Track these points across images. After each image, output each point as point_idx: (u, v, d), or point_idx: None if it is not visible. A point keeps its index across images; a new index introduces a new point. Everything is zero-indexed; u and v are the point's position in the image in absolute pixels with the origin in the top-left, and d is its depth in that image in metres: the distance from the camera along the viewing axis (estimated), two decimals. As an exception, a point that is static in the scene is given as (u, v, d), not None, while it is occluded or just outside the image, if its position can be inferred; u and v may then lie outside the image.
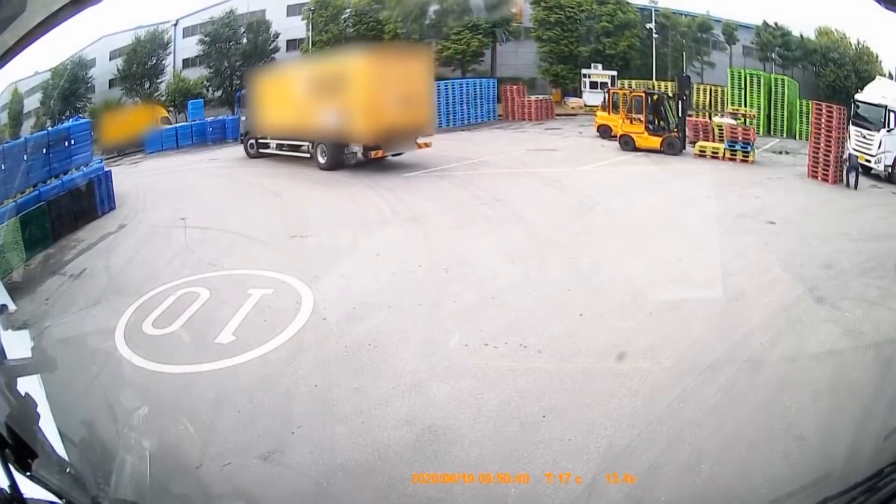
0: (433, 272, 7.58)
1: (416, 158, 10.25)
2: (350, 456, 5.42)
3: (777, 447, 5.26)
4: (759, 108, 10.58)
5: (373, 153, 9.40)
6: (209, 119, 11.04)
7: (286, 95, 9.59)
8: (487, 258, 7.81)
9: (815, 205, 9.06)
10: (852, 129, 9.49)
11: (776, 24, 10.44)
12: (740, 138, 10.11)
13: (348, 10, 10.95)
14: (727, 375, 5.91)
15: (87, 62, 9.86)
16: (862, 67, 9.69)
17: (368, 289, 7.30)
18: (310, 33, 10.92)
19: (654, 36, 11.27)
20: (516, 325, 6.68)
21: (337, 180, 9.84)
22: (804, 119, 10.32)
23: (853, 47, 9.85)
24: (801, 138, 10.39)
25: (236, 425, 5.75)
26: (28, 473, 3.36)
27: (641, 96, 10.65)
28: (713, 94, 11.06)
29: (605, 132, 10.86)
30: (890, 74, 9.22)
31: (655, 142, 10.38)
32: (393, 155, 9.63)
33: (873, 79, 9.47)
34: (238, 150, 10.92)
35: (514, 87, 11.64)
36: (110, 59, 10.17)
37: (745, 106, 10.57)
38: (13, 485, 3.25)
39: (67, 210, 8.78)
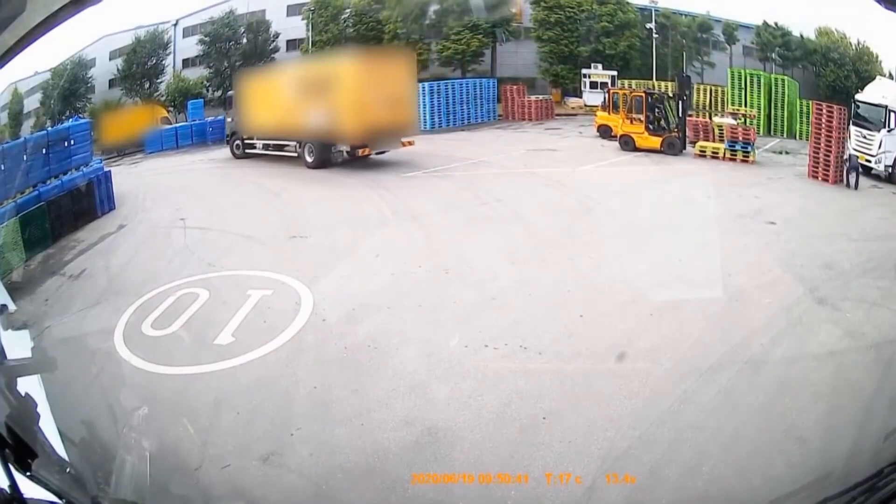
0: (433, 273, 7.57)
1: (416, 159, 10.28)
2: (349, 458, 5.40)
3: (777, 448, 5.25)
4: (759, 108, 10.58)
5: (360, 151, 9.66)
6: (209, 119, 11.04)
7: (274, 97, 9.76)
8: (487, 259, 7.80)
9: (815, 205, 9.05)
10: (853, 129, 9.48)
11: (776, 24, 10.45)
12: (740, 138, 10.10)
13: (348, 11, 10.96)
14: (728, 377, 5.90)
15: (87, 62, 9.88)
16: (862, 67, 9.69)
17: (368, 290, 7.27)
18: (310, 33, 10.93)
19: (655, 36, 11.28)
20: (516, 326, 6.66)
21: (337, 181, 9.84)
22: (804, 119, 10.32)
23: (853, 47, 9.85)
24: (801, 138, 10.39)
25: (235, 427, 5.72)
26: (28, 473, 3.35)
27: (642, 96, 10.64)
28: (713, 94, 11.06)
29: (605, 132, 10.86)
30: (890, 74, 9.22)
31: (656, 142, 10.37)
32: (377, 153, 9.83)
33: (873, 79, 9.46)
34: (237, 151, 10.97)
35: (514, 87, 11.65)
36: (110, 59, 10.19)
37: (746, 106, 10.57)
38: (13, 485, 3.24)
39: (67, 210, 8.78)
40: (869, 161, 9.39)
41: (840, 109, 9.34)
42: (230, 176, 10.50)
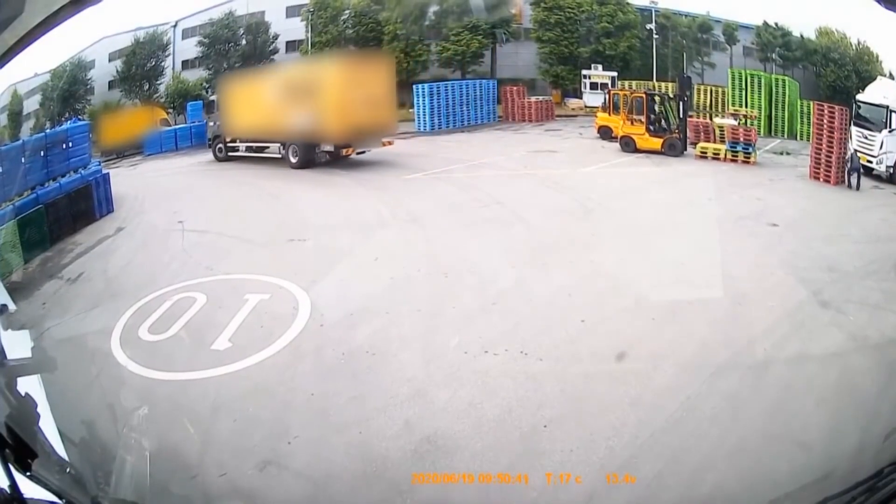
0: (432, 277, 7.49)
1: (416, 160, 10.29)
2: (347, 467, 5.34)
3: (778, 449, 5.24)
4: (759, 109, 10.55)
5: (343, 151, 9.94)
6: (208, 120, 11.03)
7: (258, 101, 9.93)
8: (487, 262, 7.72)
9: (817, 207, 8.99)
10: (853, 129, 9.44)
11: (776, 24, 10.43)
12: (742, 139, 10.07)
13: (348, 12, 10.96)
14: (731, 383, 5.83)
15: (86, 63, 9.89)
16: (862, 68, 9.67)
17: (366, 294, 7.19)
18: (309, 35, 10.92)
19: (655, 37, 11.26)
20: (517, 331, 6.58)
21: (336, 182, 9.81)
22: (805, 119, 10.29)
23: (853, 47, 9.83)
24: (801, 139, 10.35)
25: (232, 434, 5.67)
26: (28, 473, 3.35)
27: (642, 97, 10.62)
28: (714, 95, 11.03)
29: (605, 133, 10.83)
30: (890, 74, 9.19)
31: (656, 143, 10.34)
32: (358, 153, 10.06)
33: (874, 79, 9.43)
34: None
35: (514, 88, 11.63)
36: (109, 60, 10.19)
37: (746, 106, 10.54)
38: (13, 485, 3.25)
39: (65, 213, 8.76)
40: (870, 162, 9.36)
41: (842, 110, 9.30)
42: (228, 178, 10.45)
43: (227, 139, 10.67)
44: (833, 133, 9.23)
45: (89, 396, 5.84)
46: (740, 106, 10.57)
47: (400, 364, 6.29)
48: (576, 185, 9.42)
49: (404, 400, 5.90)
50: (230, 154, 10.74)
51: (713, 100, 11.03)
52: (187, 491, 5.15)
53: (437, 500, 5.11)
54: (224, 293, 7.31)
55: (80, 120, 9.72)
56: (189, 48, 10.71)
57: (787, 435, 5.38)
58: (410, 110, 11.20)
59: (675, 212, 8.55)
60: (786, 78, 10.61)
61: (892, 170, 9.29)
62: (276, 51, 10.93)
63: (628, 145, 10.45)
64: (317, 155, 9.99)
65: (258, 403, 5.95)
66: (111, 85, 10.21)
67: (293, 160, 10.09)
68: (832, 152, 9.25)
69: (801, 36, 10.31)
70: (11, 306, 6.77)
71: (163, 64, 10.63)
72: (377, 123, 9.67)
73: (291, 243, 8.37)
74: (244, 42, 10.86)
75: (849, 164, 9.19)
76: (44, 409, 3.84)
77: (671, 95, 10.59)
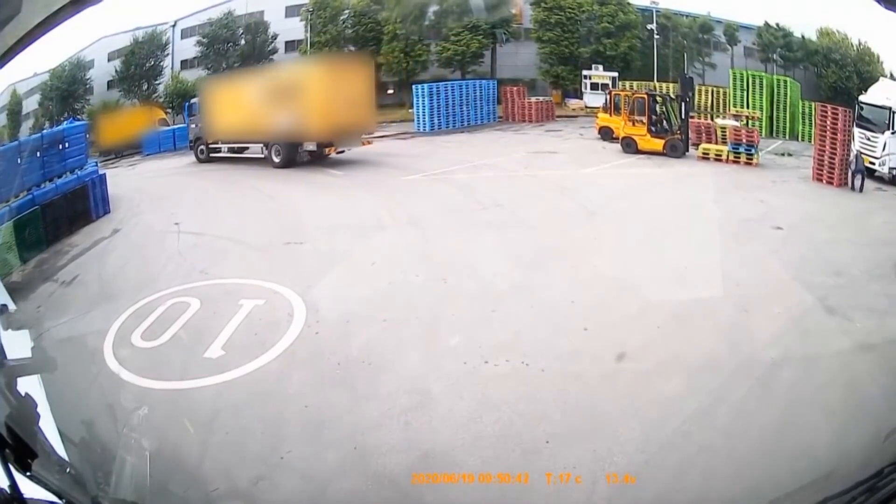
0: (431, 282, 7.32)
1: (415, 161, 10.26)
2: (342, 486, 5.20)
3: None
4: (761, 110, 10.52)
5: (326, 150, 10.19)
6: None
7: (241, 103, 10.05)
8: (487, 267, 7.57)
9: (821, 209, 8.91)
10: (856, 130, 9.40)
11: (777, 24, 10.41)
12: (744, 140, 10.03)
13: (347, 11, 10.94)
14: (738, 394, 5.69)
15: (85, 63, 9.90)
16: (863, 68, 9.66)
17: (363, 300, 7.04)
18: (308, 34, 10.90)
19: (656, 37, 11.24)
20: (518, 340, 6.41)
21: (334, 184, 9.77)
22: (806, 120, 10.28)
23: (854, 48, 9.81)
24: (803, 140, 10.34)
25: (224, 447, 5.52)
26: (28, 473, 3.33)
27: (644, 98, 10.57)
28: (715, 96, 11.01)
29: (606, 134, 10.78)
30: (891, 75, 9.16)
31: (658, 144, 10.29)
32: (338, 152, 10.28)
33: (875, 80, 9.41)
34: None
35: (515, 88, 11.62)
36: (109, 60, 10.21)
37: (748, 107, 10.51)
38: (13, 485, 3.22)
39: (62, 214, 8.71)
40: (872, 163, 9.32)
41: (845, 111, 9.27)
42: (226, 178, 10.39)
43: (209, 141, 10.72)
44: (836, 135, 9.18)
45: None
46: (742, 107, 10.54)
47: (396, 375, 6.12)
48: (577, 186, 9.35)
49: (400, 414, 5.73)
50: (212, 155, 10.80)
51: (714, 100, 11.01)
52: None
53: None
54: (218, 298, 7.17)
55: (77, 120, 9.69)
56: (188, 48, 10.70)
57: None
58: (410, 110, 11.19)
59: (678, 215, 8.45)
60: (787, 78, 10.60)
61: (894, 171, 9.25)
62: (275, 51, 10.93)
63: (630, 146, 10.40)
64: (299, 154, 10.19)
65: (251, 415, 5.79)
66: (110, 85, 10.22)
67: (276, 160, 10.24)
68: (835, 154, 9.21)
69: (803, 36, 10.31)
70: (11, 306, 6.76)
71: (162, 64, 10.65)
72: (357, 123, 9.99)
73: (288, 246, 8.27)
74: (243, 42, 10.85)
75: (853, 166, 9.14)
76: (44, 409, 3.80)
77: (673, 96, 10.55)
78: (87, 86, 9.99)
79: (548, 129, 11.39)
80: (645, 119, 10.39)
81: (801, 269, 7.32)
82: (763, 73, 10.64)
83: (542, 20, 11.15)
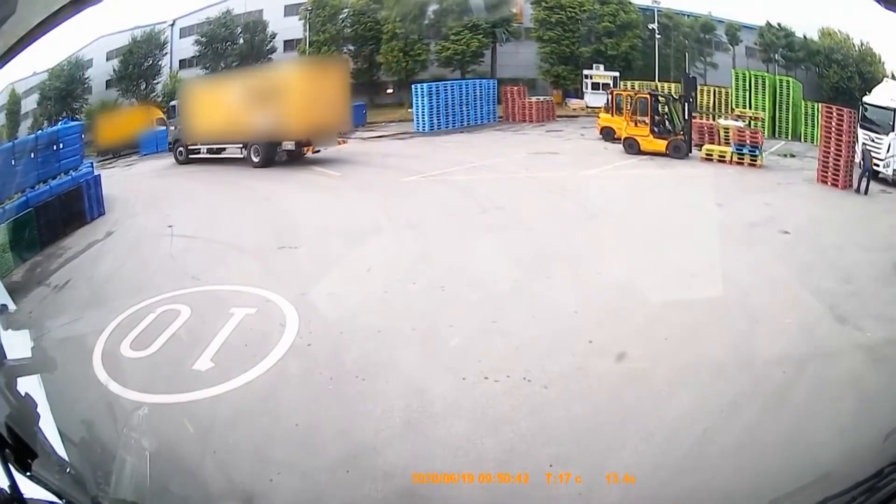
0: (428, 290, 7.07)
1: (415, 162, 10.18)
2: None
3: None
4: (763, 110, 10.46)
5: (304, 149, 10.41)
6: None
7: (220, 104, 10.16)
8: (487, 274, 7.32)
9: (827, 212, 8.81)
10: (860, 132, 9.35)
11: (779, 24, 10.36)
12: (748, 142, 9.95)
13: (346, 10, 10.91)
14: (750, 414, 5.50)
15: (84, 63, 9.87)
16: (865, 69, 9.60)
17: (358, 310, 6.81)
18: (307, 33, 10.86)
19: (657, 37, 11.20)
20: (519, 354, 6.16)
21: (332, 185, 9.69)
22: (809, 121, 10.22)
23: (856, 48, 9.76)
24: (806, 140, 10.27)
25: (211, 468, 5.34)
26: (28, 473, 3.36)
27: (646, 98, 10.50)
28: (717, 96, 10.95)
29: (608, 135, 10.70)
30: (893, 75, 9.11)
31: (661, 145, 10.21)
32: (315, 151, 10.47)
33: (877, 80, 9.36)
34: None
35: (515, 88, 11.54)
36: (107, 59, 10.18)
37: (750, 107, 10.45)
38: (13, 485, 3.24)
39: (56, 216, 8.64)
40: (877, 165, 9.26)
41: (850, 112, 9.20)
42: (222, 180, 10.30)
43: (189, 142, 10.78)
44: (841, 136, 9.11)
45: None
46: (745, 107, 10.48)
47: (391, 392, 5.90)
48: (578, 188, 9.25)
49: (395, 435, 5.52)
50: (191, 157, 10.85)
51: (716, 100, 10.94)
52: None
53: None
54: (209, 306, 6.99)
55: (72, 120, 9.64)
56: (186, 47, 10.66)
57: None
58: (409, 110, 11.14)
59: (682, 218, 8.29)
60: (790, 79, 10.54)
61: (899, 173, 9.21)
62: (273, 50, 10.88)
63: (632, 147, 10.32)
64: (278, 154, 10.37)
65: (240, 433, 5.60)
66: (108, 84, 10.19)
67: (255, 160, 10.38)
68: (840, 155, 9.13)
69: (804, 37, 10.24)
70: (11, 306, 6.75)
71: (160, 63, 10.62)
72: (333, 123, 10.26)
73: (282, 251, 8.13)
74: (242, 41, 10.80)
75: (861, 167, 9.07)
76: (44, 409, 3.82)
77: (675, 96, 10.48)
78: (86, 85, 9.94)
79: (548, 130, 11.30)
80: (647, 119, 10.31)
81: (809, 275, 7.16)
82: (766, 74, 10.57)
83: (542, 19, 11.09)
